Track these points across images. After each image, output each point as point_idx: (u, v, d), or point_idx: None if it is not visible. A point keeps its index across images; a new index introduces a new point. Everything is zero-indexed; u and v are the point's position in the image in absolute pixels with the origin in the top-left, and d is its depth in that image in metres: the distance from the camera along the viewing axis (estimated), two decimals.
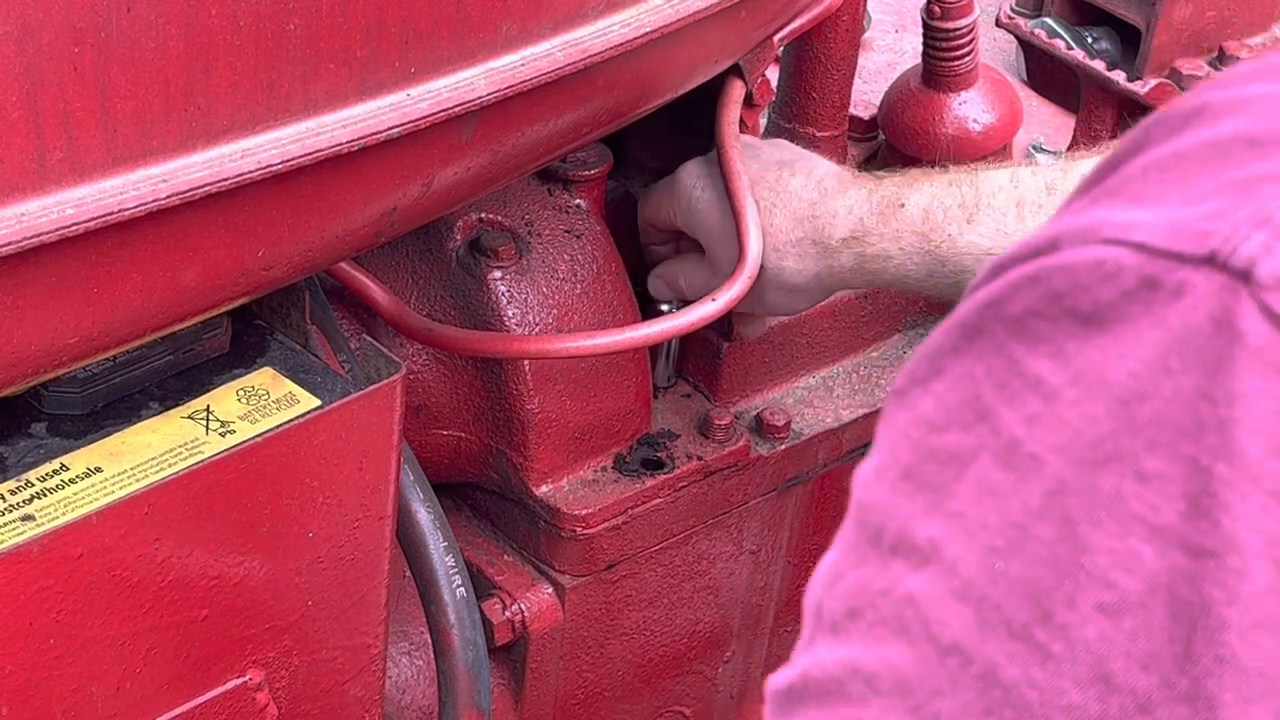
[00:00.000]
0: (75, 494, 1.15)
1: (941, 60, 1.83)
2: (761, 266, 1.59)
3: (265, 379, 1.26)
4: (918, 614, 0.59)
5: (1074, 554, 0.56)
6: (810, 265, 1.58)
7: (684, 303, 1.66)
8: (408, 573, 1.46)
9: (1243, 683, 0.54)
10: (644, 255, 1.73)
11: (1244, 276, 0.55)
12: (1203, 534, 0.54)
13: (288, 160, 1.06)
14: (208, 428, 1.22)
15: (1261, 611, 0.54)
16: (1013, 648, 0.56)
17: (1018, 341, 0.58)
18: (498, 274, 1.57)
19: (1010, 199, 1.50)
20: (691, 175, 1.65)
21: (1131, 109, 1.97)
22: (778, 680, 0.63)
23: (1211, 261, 0.55)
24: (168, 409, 1.23)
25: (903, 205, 1.54)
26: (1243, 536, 0.54)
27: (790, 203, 1.59)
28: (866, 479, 0.63)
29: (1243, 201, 0.56)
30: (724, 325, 1.72)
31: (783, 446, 1.76)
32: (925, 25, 1.83)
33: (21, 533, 1.12)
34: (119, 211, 1.00)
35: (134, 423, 1.21)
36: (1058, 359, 0.57)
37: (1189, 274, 0.55)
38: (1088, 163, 1.53)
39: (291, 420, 1.22)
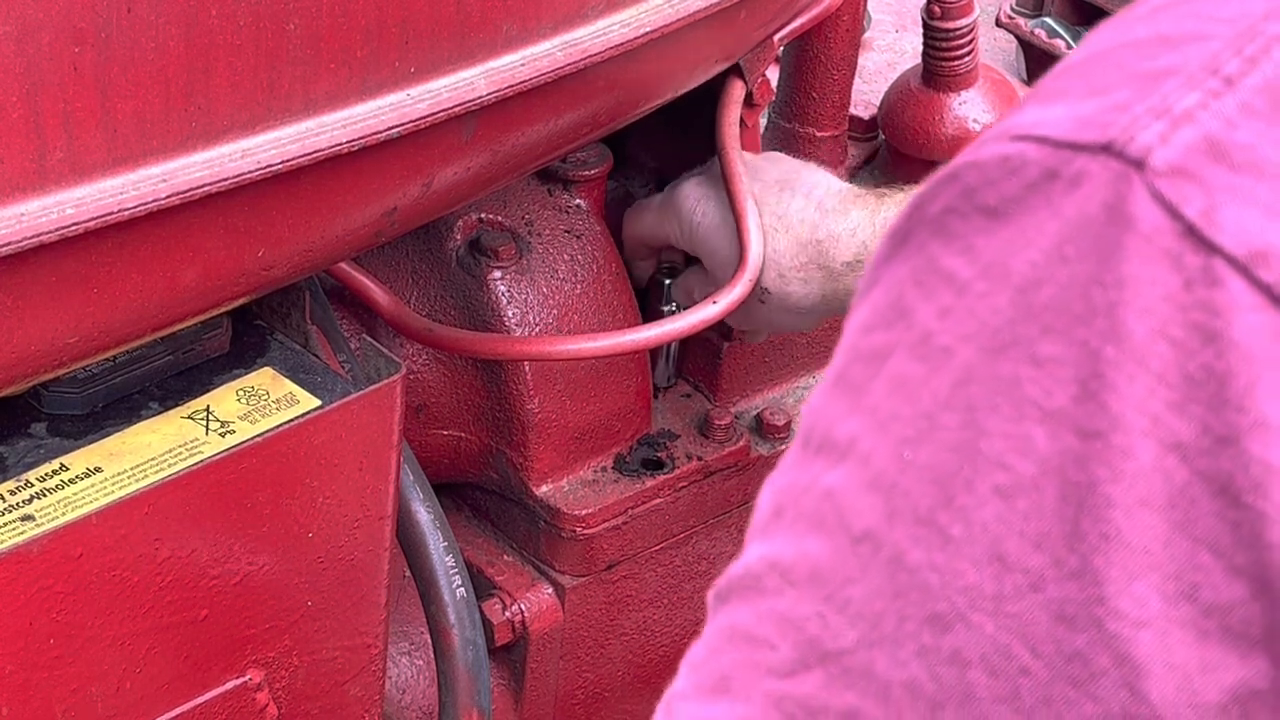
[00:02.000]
0: (75, 494, 1.15)
1: (941, 60, 1.83)
2: (766, 290, 1.59)
3: (265, 379, 1.26)
4: (833, 506, 0.60)
5: (974, 439, 0.57)
6: (815, 289, 1.58)
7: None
8: (408, 573, 1.46)
9: (1128, 559, 0.55)
10: (633, 274, 1.72)
11: (1138, 164, 0.56)
12: (1091, 416, 0.55)
13: (288, 160, 1.06)
14: (208, 428, 1.22)
15: (1145, 489, 0.55)
16: (917, 532, 0.58)
17: (936, 240, 0.60)
18: (498, 274, 1.57)
19: None
20: (691, 197, 1.64)
21: None
22: (711, 591, 0.66)
23: (1108, 150, 0.56)
24: (168, 409, 1.23)
25: None
26: (1128, 417, 0.55)
27: (792, 227, 1.58)
28: (812, 393, 0.65)
29: (1145, 93, 0.57)
30: (724, 326, 1.72)
31: (783, 446, 1.76)
32: (925, 25, 1.83)
33: (21, 533, 1.12)
34: (119, 211, 1.00)
35: (134, 423, 1.21)
36: (968, 254, 0.58)
37: (1086, 162, 0.56)
38: None
39: (291, 420, 1.22)
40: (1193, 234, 0.55)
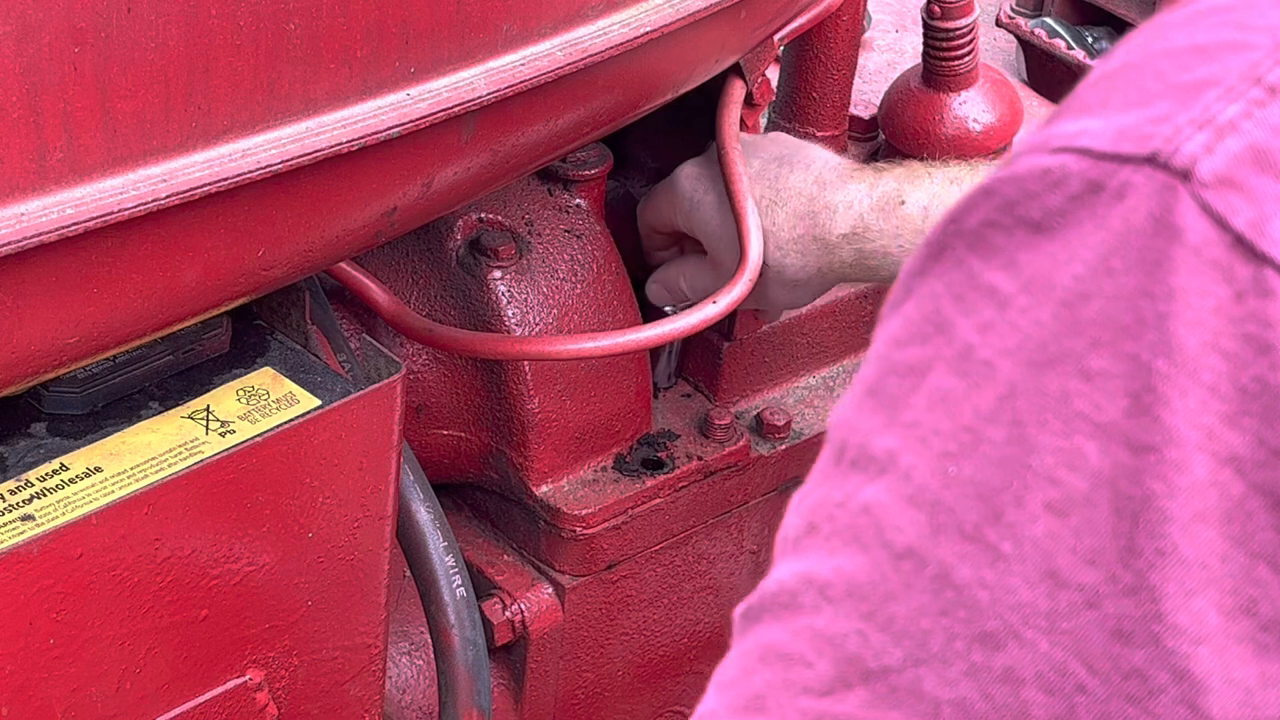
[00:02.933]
0: (75, 494, 1.15)
1: (941, 60, 1.83)
2: (765, 264, 1.59)
3: (265, 379, 1.26)
4: (872, 521, 0.59)
5: (1022, 454, 0.56)
6: (812, 261, 1.59)
7: (685, 304, 1.66)
8: (408, 573, 1.46)
9: (1184, 574, 0.54)
10: (645, 258, 1.73)
11: (1184, 175, 0.55)
12: (1143, 430, 0.55)
13: (288, 160, 1.06)
14: (208, 427, 1.22)
15: (1200, 504, 0.54)
16: (965, 549, 0.57)
17: (975, 254, 0.59)
18: (498, 274, 1.57)
19: None
20: (690, 178, 1.65)
21: None
22: (740, 607, 0.64)
23: (1153, 161, 0.56)
24: (168, 409, 1.23)
25: (903, 203, 1.54)
26: (1181, 430, 0.54)
27: (789, 200, 1.59)
28: (840, 402, 0.64)
29: (1186, 104, 0.57)
30: (725, 326, 1.72)
31: (783, 446, 1.76)
32: (925, 25, 1.83)
33: (21, 533, 1.12)
34: (119, 211, 1.00)
35: (134, 423, 1.21)
36: (1010, 268, 0.58)
37: (1131, 174, 0.56)
38: None
39: (291, 420, 1.22)
40: (1242, 245, 0.54)
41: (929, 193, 1.54)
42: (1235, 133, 0.56)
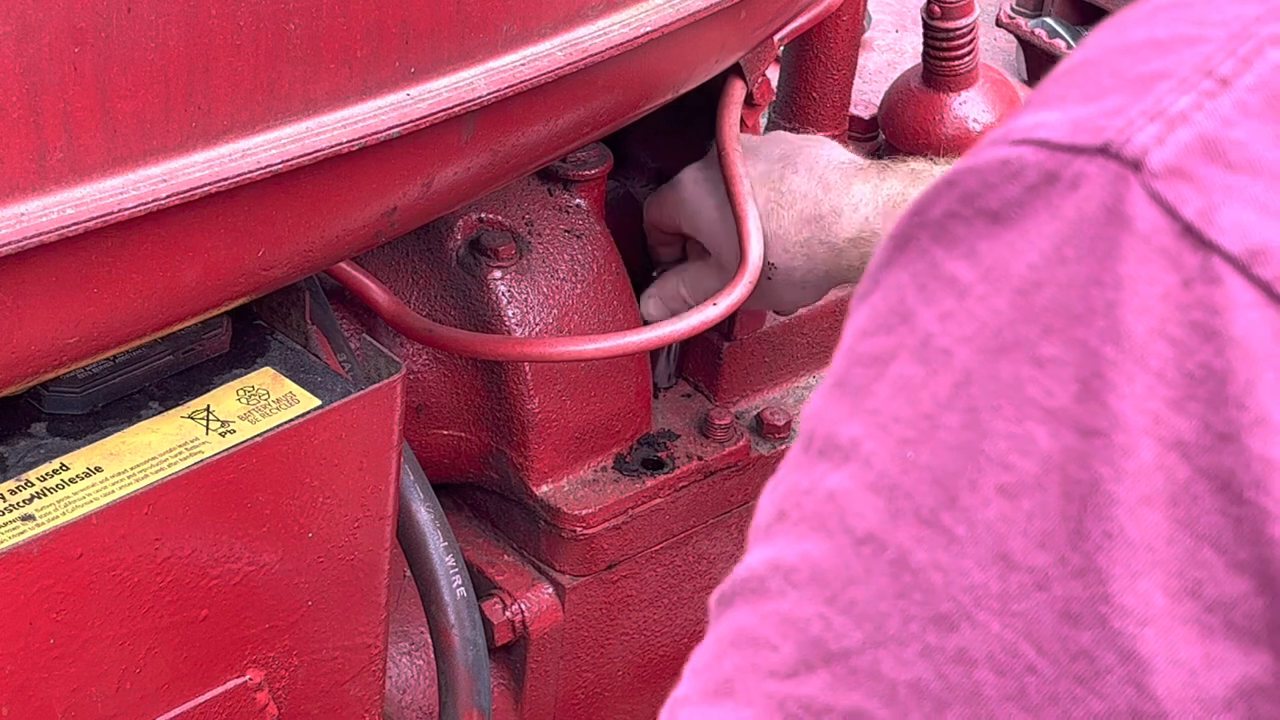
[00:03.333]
0: (75, 494, 1.15)
1: (941, 60, 1.83)
2: (773, 266, 1.59)
3: (265, 379, 1.26)
4: (836, 508, 0.60)
5: (976, 439, 0.57)
6: (819, 264, 1.59)
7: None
8: (408, 573, 1.46)
9: (1130, 556, 0.55)
10: (649, 256, 1.73)
11: (1135, 165, 0.56)
12: (1092, 415, 0.56)
13: (288, 160, 1.06)
14: (208, 427, 1.22)
15: (1147, 487, 0.55)
16: (921, 532, 0.58)
17: (938, 244, 0.60)
18: (498, 274, 1.57)
19: None
20: (693, 181, 1.65)
21: None
22: (715, 592, 0.66)
23: (1105, 152, 0.57)
24: (168, 409, 1.23)
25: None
26: (1128, 415, 0.55)
27: (795, 203, 1.59)
28: (812, 396, 0.65)
29: (1139, 96, 0.57)
30: (725, 326, 1.72)
31: (783, 446, 1.76)
32: (925, 25, 1.83)
33: (21, 533, 1.12)
34: (119, 211, 1.00)
35: (134, 423, 1.21)
36: (971, 258, 0.59)
37: (1084, 165, 0.57)
38: None
39: (291, 420, 1.22)
40: (1190, 233, 0.55)
41: None
42: (1186, 123, 0.56)
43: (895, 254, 0.62)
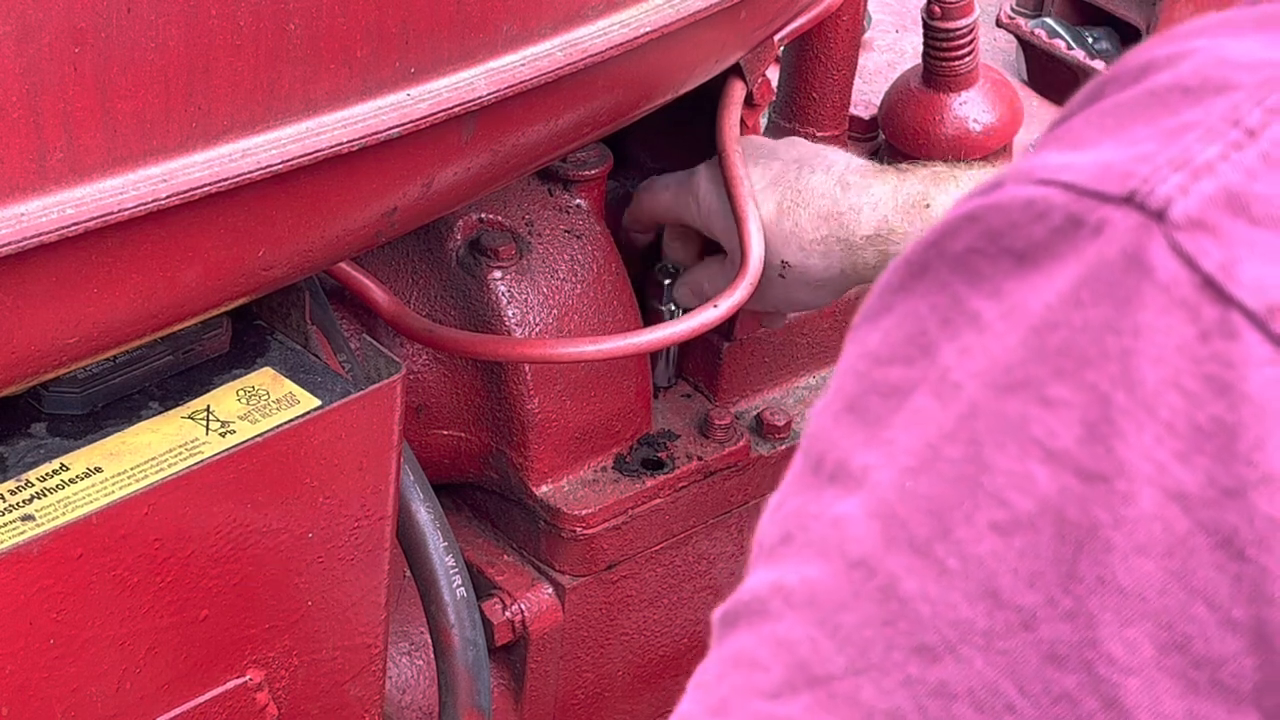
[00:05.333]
0: (75, 494, 1.15)
1: (941, 60, 1.83)
2: (788, 264, 1.59)
3: (265, 379, 1.26)
4: (837, 533, 0.60)
5: (976, 473, 0.57)
6: (835, 262, 1.59)
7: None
8: (408, 573, 1.46)
9: (1122, 604, 0.55)
10: (624, 236, 1.73)
11: (1158, 216, 0.56)
12: (1096, 459, 0.55)
13: (288, 160, 1.06)
14: (208, 428, 1.22)
15: (1144, 536, 0.55)
16: (912, 562, 0.58)
17: (960, 279, 0.60)
18: (498, 274, 1.57)
19: None
20: (709, 180, 1.64)
21: None
22: (717, 611, 0.65)
23: (1130, 201, 0.56)
24: (168, 409, 1.23)
25: (928, 205, 1.54)
26: (1133, 463, 0.55)
27: (812, 201, 1.59)
28: (816, 412, 0.65)
29: (1167, 146, 0.57)
30: (725, 326, 1.72)
31: (783, 446, 1.76)
32: (925, 25, 1.83)
33: (21, 533, 1.12)
34: (119, 211, 1.00)
35: (134, 423, 1.21)
36: (995, 296, 0.59)
37: (1109, 212, 0.57)
38: None
39: (291, 420, 1.22)
40: (1211, 286, 0.55)
41: (954, 196, 1.54)
42: (1211, 174, 0.56)
43: (910, 280, 0.61)
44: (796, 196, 1.59)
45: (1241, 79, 0.58)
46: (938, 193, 1.55)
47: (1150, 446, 0.55)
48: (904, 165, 1.62)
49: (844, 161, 1.61)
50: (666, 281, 1.71)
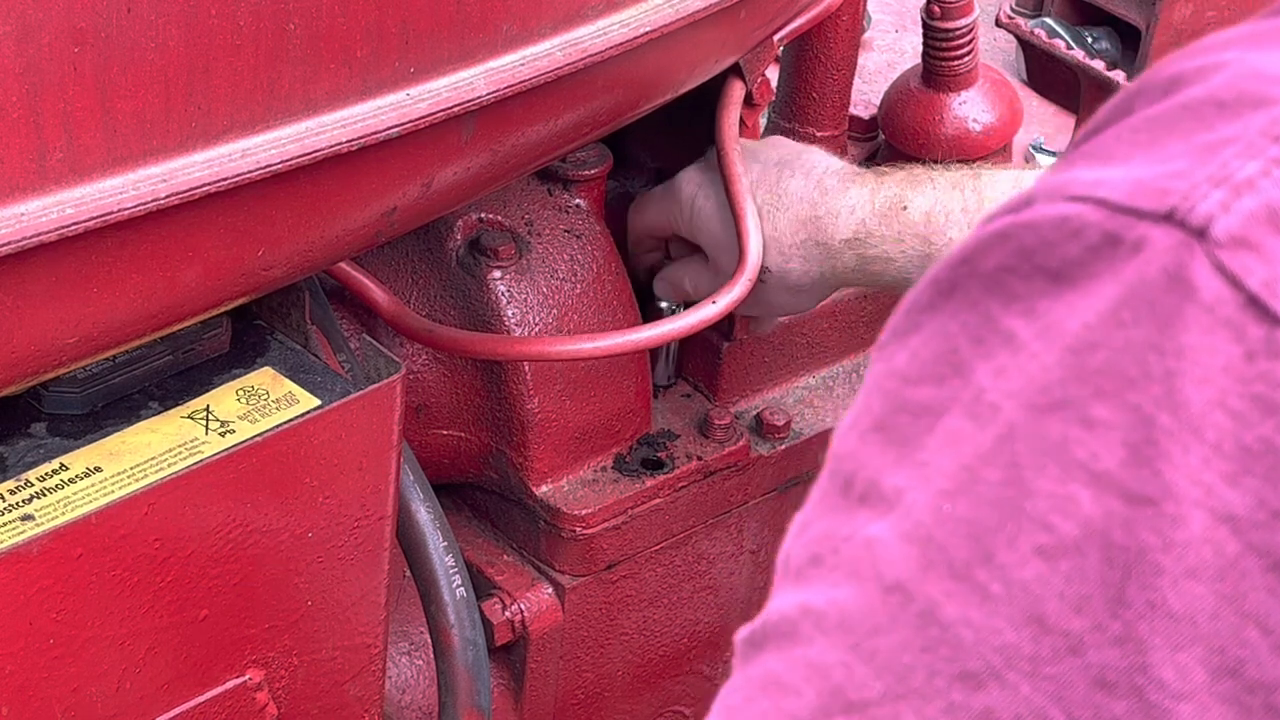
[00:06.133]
0: (75, 494, 1.15)
1: (941, 60, 1.83)
2: (767, 269, 1.60)
3: (265, 379, 1.26)
4: (870, 556, 0.59)
5: (1017, 497, 0.56)
6: (814, 266, 1.59)
7: (686, 302, 1.66)
8: (408, 573, 1.46)
9: (1172, 629, 0.54)
10: (632, 261, 1.73)
11: (1200, 233, 0.55)
12: (1142, 482, 0.55)
13: (287, 160, 1.06)
14: (207, 427, 1.22)
15: (1194, 560, 0.54)
16: (952, 587, 0.57)
17: (992, 298, 0.59)
18: (498, 274, 1.57)
19: None
20: (692, 183, 1.65)
21: None
22: (743, 631, 0.64)
23: (1170, 218, 0.56)
24: (168, 409, 1.23)
25: (905, 208, 1.54)
26: (1181, 486, 0.54)
27: (791, 205, 1.59)
28: (842, 431, 0.64)
29: (1205, 161, 0.57)
30: (724, 326, 1.72)
31: (783, 446, 1.76)
32: (925, 25, 1.83)
33: (21, 533, 1.12)
34: (119, 211, 1.00)
35: (134, 423, 1.21)
36: (1029, 315, 0.58)
37: (1148, 229, 0.56)
38: None
39: (291, 420, 1.22)
40: (1255, 305, 0.54)
41: (931, 198, 1.54)
42: (1252, 191, 0.55)
43: (939, 299, 0.61)
44: (776, 201, 1.59)
45: (1275, 91, 0.58)
46: (915, 195, 1.55)
47: (1197, 468, 0.54)
48: (883, 168, 1.62)
49: (823, 165, 1.61)
50: None
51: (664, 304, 1.71)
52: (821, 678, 0.60)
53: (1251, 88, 0.59)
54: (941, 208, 1.53)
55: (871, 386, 0.63)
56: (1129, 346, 0.55)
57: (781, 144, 1.68)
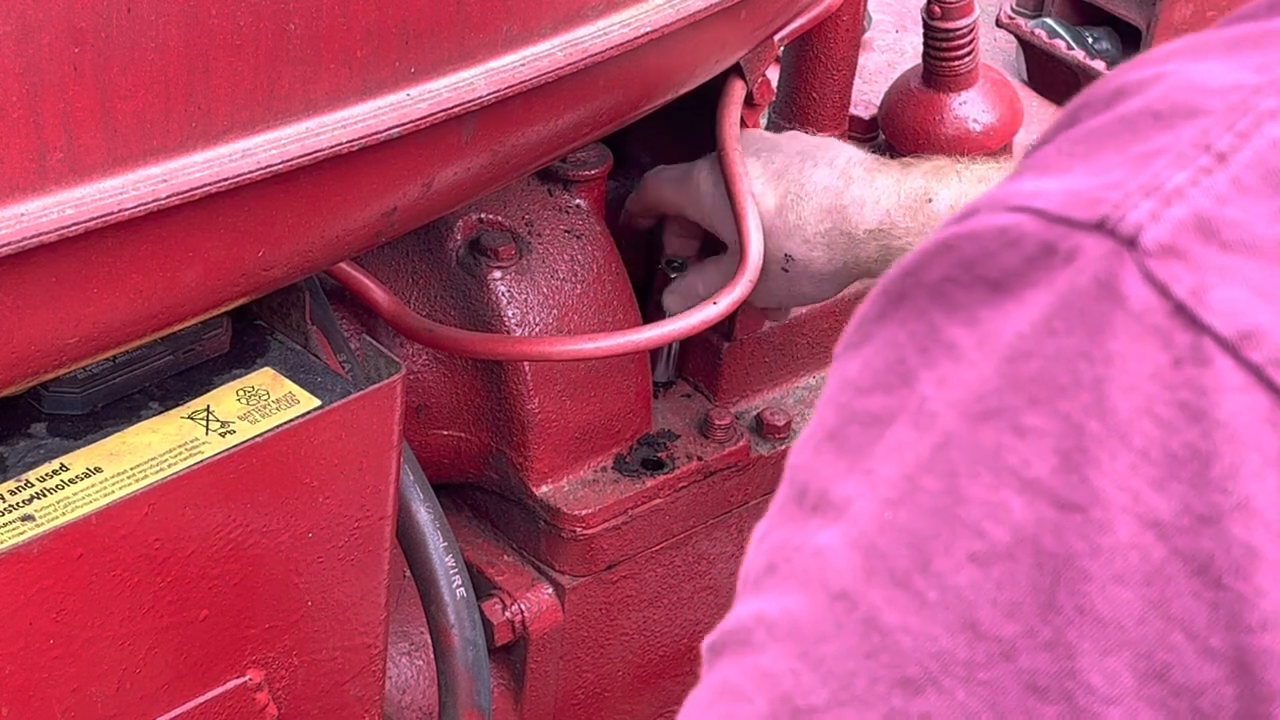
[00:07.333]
0: (75, 494, 1.16)
1: (941, 60, 1.83)
2: (791, 258, 1.60)
3: (265, 379, 1.26)
4: (819, 564, 0.60)
5: (953, 504, 0.57)
6: (838, 256, 1.59)
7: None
8: (408, 573, 1.46)
9: (1101, 634, 0.55)
10: (627, 221, 1.73)
11: (1130, 242, 0.56)
12: (1071, 488, 0.55)
13: (288, 160, 1.06)
14: (208, 428, 1.22)
15: (1121, 565, 0.54)
16: (893, 594, 0.58)
17: (937, 308, 0.60)
18: (498, 274, 1.57)
19: None
20: (710, 176, 1.64)
21: None
22: (707, 639, 0.65)
23: (1101, 227, 0.56)
24: (168, 409, 1.23)
25: (930, 200, 1.54)
26: (1108, 492, 0.55)
27: (816, 194, 1.59)
28: (800, 442, 0.65)
29: (1138, 172, 0.57)
30: (725, 326, 1.72)
31: (783, 446, 1.76)
32: (925, 25, 1.83)
33: (21, 533, 1.12)
34: (119, 211, 1.00)
35: (134, 423, 1.21)
36: (971, 324, 0.59)
37: (1081, 239, 0.57)
38: None
39: (291, 420, 1.22)
40: (1182, 313, 0.55)
41: (957, 191, 1.54)
42: (1181, 200, 0.56)
43: (889, 309, 0.61)
44: (800, 190, 1.59)
45: (1211, 103, 0.58)
46: (940, 187, 1.55)
47: (1124, 475, 0.54)
48: (907, 159, 1.62)
49: (847, 155, 1.61)
50: (674, 276, 1.71)
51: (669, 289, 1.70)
52: (772, 685, 0.60)
53: (1185, 99, 0.59)
54: (966, 201, 1.53)
55: (827, 398, 0.63)
56: (1060, 355, 0.56)
57: (801, 137, 1.67)
